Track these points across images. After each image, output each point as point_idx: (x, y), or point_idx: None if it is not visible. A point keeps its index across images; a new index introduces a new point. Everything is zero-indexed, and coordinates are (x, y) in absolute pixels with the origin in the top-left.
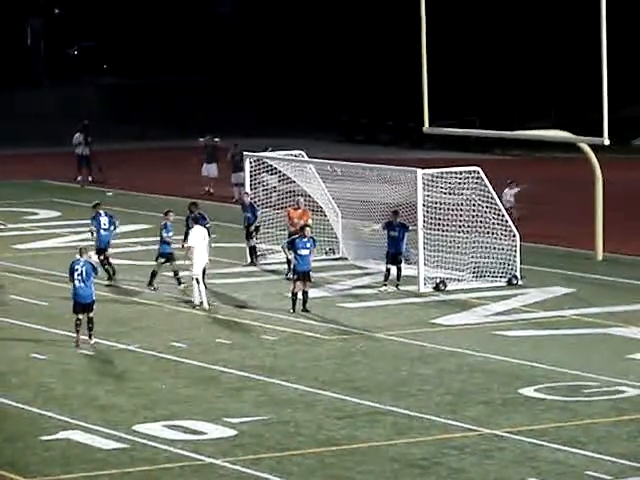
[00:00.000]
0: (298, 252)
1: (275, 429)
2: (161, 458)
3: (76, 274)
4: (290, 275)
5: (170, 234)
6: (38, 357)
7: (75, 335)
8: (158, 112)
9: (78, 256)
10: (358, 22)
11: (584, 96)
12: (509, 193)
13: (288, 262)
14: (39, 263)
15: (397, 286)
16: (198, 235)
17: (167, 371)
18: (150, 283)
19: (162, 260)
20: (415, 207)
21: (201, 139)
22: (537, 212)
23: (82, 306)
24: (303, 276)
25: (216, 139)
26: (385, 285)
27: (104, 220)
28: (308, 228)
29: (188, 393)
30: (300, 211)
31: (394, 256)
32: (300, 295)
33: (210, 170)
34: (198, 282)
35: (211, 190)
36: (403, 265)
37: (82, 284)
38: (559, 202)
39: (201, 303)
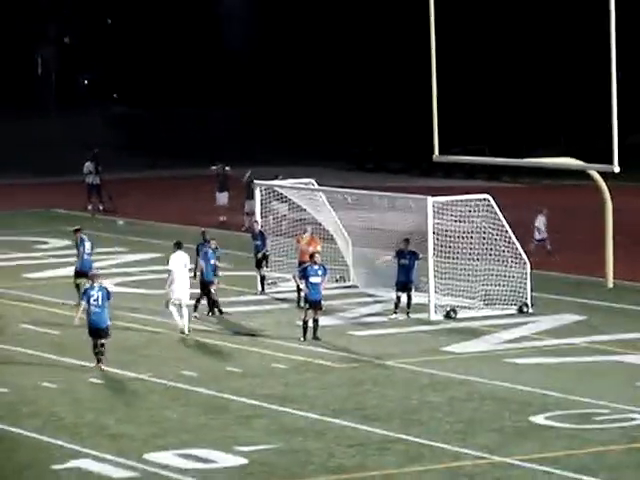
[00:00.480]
0: (309, 280)
1: (286, 457)
2: None
3: (92, 299)
4: (301, 303)
5: (212, 261)
6: (49, 386)
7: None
8: (168, 141)
9: (89, 283)
10: (369, 51)
11: (594, 123)
12: (541, 221)
13: (298, 290)
14: (49, 292)
15: (408, 314)
16: (179, 260)
17: (178, 399)
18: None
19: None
20: (425, 235)
21: (213, 167)
22: (548, 240)
23: (98, 331)
24: (314, 304)
25: (227, 168)
26: (395, 313)
27: (88, 245)
28: (318, 255)
29: (199, 422)
30: (308, 239)
31: (404, 284)
32: (311, 323)
33: (221, 199)
34: (181, 307)
35: (222, 219)
36: (413, 293)
37: (98, 309)
38: (569, 229)
39: (183, 329)
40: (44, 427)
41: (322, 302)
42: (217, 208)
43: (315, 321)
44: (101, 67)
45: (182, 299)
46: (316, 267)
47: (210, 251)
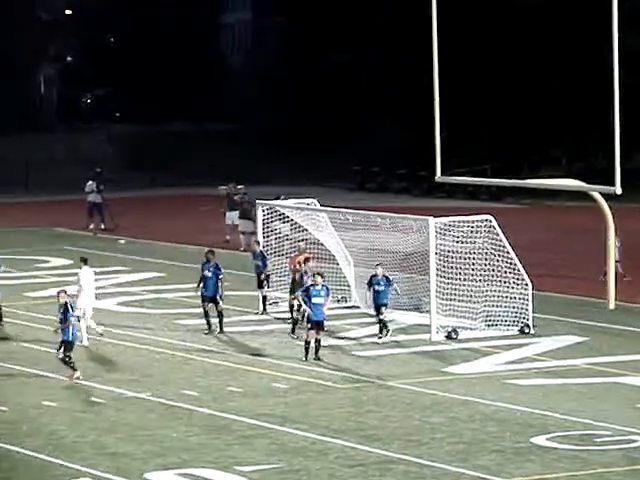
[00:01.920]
0: (312, 300)
1: (287, 477)
2: None
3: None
4: (304, 323)
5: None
6: (49, 404)
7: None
8: (169, 159)
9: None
10: (374, 69)
11: (596, 144)
12: (617, 241)
13: (297, 310)
14: (51, 311)
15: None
16: (88, 276)
17: (178, 419)
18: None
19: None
20: (427, 255)
21: (222, 187)
22: (549, 261)
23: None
24: (317, 325)
25: (239, 187)
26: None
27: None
28: (320, 276)
29: (199, 441)
30: (301, 256)
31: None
32: (313, 343)
33: (233, 218)
34: (79, 320)
35: (228, 237)
36: (385, 316)
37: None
38: (571, 251)
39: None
40: (44, 446)
41: (325, 322)
42: (225, 227)
43: (317, 341)
44: (103, 85)
45: (86, 311)
46: (319, 288)
47: (212, 269)
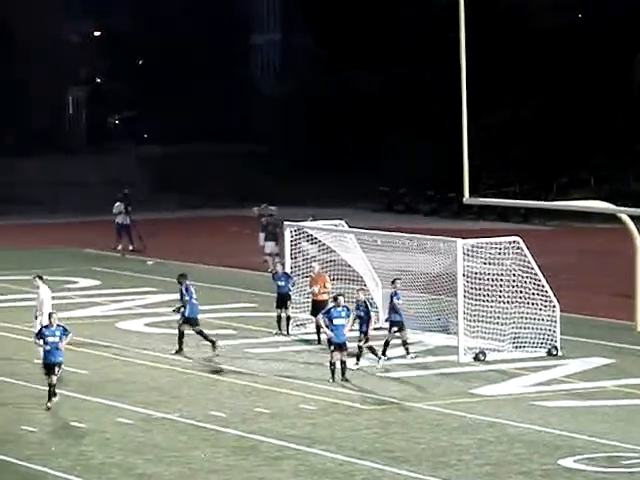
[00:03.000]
0: (333, 322)
1: None
2: None
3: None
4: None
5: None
6: (77, 425)
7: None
8: (198, 181)
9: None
10: (398, 94)
11: (625, 167)
12: None
13: (318, 331)
14: (78, 332)
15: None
16: (46, 291)
17: (206, 440)
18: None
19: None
20: (455, 277)
21: (255, 209)
22: (577, 283)
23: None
24: (339, 347)
25: (272, 207)
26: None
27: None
28: (341, 297)
29: (227, 462)
30: (316, 277)
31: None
32: (338, 365)
33: (269, 248)
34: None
35: (265, 258)
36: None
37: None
38: (599, 273)
39: None
40: (73, 467)
41: (347, 343)
42: (260, 248)
43: (343, 362)
44: (132, 107)
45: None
46: (340, 309)
47: (192, 288)
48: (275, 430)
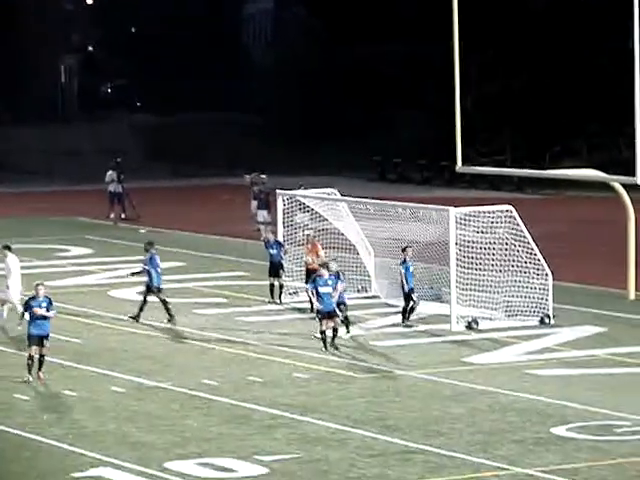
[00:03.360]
0: (319, 290)
1: (306, 467)
2: None
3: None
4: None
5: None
6: (70, 394)
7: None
8: (190, 149)
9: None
10: (390, 61)
11: (617, 135)
12: None
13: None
14: (71, 300)
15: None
16: (14, 262)
17: (199, 409)
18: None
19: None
20: (448, 246)
21: (247, 176)
22: (569, 251)
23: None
24: (328, 315)
25: (262, 176)
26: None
27: None
28: (326, 268)
29: (219, 431)
30: (309, 246)
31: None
32: (329, 333)
33: (262, 216)
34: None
35: (257, 226)
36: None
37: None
38: (591, 241)
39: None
40: (65, 435)
41: (336, 310)
42: (254, 221)
43: (334, 330)
44: (124, 75)
45: (14, 299)
46: (325, 277)
47: (157, 257)
48: (268, 398)
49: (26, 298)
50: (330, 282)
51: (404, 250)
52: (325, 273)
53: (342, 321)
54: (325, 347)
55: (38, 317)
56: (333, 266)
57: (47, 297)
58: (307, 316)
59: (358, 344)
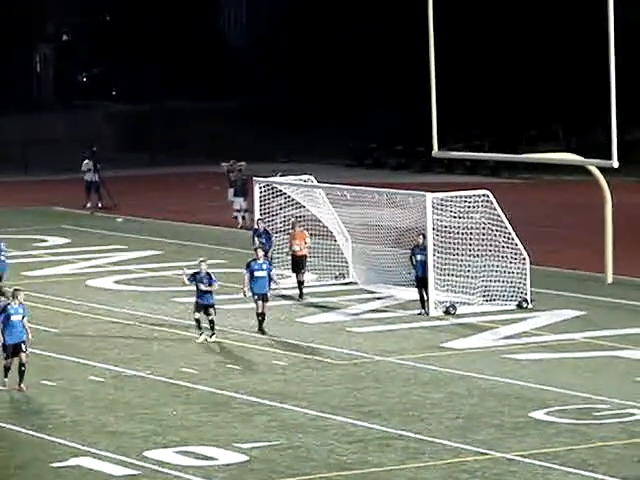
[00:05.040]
0: (254, 274)
1: (286, 454)
2: None
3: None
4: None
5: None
6: (48, 384)
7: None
8: (167, 137)
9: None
10: (366, 47)
11: (593, 118)
12: None
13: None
14: (48, 290)
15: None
16: None
17: (178, 397)
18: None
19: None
20: (425, 231)
21: (224, 164)
22: (546, 235)
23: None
24: (262, 297)
25: (240, 163)
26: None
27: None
28: (261, 250)
29: (199, 419)
30: (296, 233)
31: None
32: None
33: (238, 204)
34: None
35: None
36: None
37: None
38: (568, 225)
39: None
40: (44, 425)
41: (268, 295)
42: (230, 209)
43: (262, 314)
44: (99, 64)
45: None
46: (260, 262)
47: (3, 244)
48: (246, 386)
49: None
50: (264, 267)
51: (417, 238)
52: (261, 256)
53: (209, 323)
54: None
55: (15, 324)
56: (204, 267)
57: (22, 304)
58: (286, 303)
59: (336, 330)
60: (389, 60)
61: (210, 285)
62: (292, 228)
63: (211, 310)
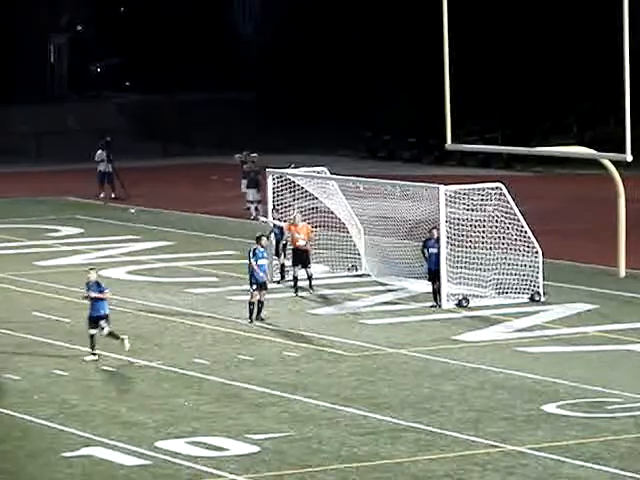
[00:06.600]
0: (258, 262)
1: (297, 445)
2: (183, 475)
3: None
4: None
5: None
6: (60, 373)
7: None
8: (181, 129)
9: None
10: (379, 39)
11: (607, 112)
12: None
13: (295, 281)
14: (61, 280)
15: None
16: None
17: (189, 387)
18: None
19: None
20: (437, 223)
21: (237, 156)
22: (559, 228)
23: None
24: (261, 286)
25: (253, 155)
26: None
27: None
28: (264, 238)
29: (210, 409)
30: (299, 226)
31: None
32: (257, 305)
33: (251, 195)
34: None
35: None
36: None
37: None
38: (581, 219)
39: None
40: (56, 415)
41: (267, 284)
42: (244, 200)
43: (260, 303)
44: (114, 55)
45: None
46: (262, 250)
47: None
48: (258, 377)
49: None
50: (265, 254)
51: (430, 231)
52: (264, 243)
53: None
54: (251, 319)
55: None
56: (93, 276)
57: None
58: (299, 294)
59: (348, 322)
60: (403, 52)
61: (101, 292)
62: (294, 221)
63: (103, 323)
